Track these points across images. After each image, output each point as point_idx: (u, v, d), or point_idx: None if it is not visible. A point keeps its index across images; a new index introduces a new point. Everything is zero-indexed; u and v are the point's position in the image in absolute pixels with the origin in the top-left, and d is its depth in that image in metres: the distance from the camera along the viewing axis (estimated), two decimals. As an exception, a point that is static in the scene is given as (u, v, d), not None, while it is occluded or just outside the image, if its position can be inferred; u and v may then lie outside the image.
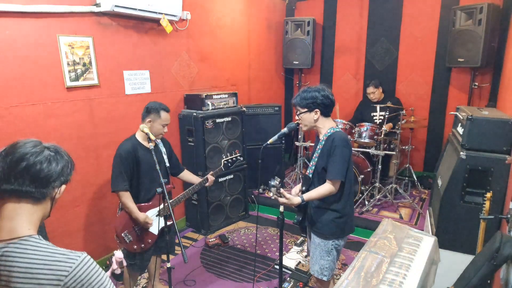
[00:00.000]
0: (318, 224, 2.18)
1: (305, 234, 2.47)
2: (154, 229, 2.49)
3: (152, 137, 2.33)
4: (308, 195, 2.10)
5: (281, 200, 2.06)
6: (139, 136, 2.47)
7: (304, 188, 2.23)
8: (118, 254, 1.48)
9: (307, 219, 2.27)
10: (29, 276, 0.96)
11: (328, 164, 2.06)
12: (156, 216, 2.49)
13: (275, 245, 3.59)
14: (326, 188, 2.06)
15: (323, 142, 2.11)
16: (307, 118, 2.13)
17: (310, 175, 2.21)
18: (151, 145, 2.31)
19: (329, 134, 2.10)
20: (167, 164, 2.49)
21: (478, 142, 2.47)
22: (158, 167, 2.17)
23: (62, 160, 1.08)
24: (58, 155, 1.08)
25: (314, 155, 2.19)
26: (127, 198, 2.37)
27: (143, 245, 2.46)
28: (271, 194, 2.03)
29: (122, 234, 2.39)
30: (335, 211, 2.14)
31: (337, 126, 2.17)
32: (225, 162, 2.78)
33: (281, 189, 2.03)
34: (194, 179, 2.78)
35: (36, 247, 0.99)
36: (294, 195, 2.13)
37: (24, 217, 1.02)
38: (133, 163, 2.40)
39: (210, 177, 2.71)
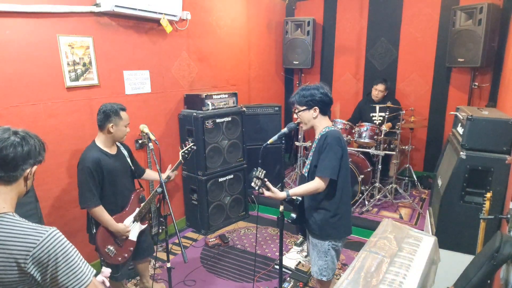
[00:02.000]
0: (313, 225, 2.17)
1: (301, 234, 2.45)
2: (133, 236, 2.46)
3: (152, 137, 2.32)
4: (293, 191, 2.07)
5: (266, 193, 2.03)
6: (101, 143, 2.30)
7: None
8: (106, 270, 1.40)
9: (303, 221, 2.26)
10: (3, 248, 1.06)
11: (318, 161, 2.04)
12: (133, 222, 2.45)
13: (275, 245, 3.59)
14: (313, 185, 2.02)
15: (317, 141, 2.10)
16: (306, 116, 2.13)
17: (306, 174, 2.19)
18: (151, 146, 2.30)
19: (323, 132, 2.09)
20: (131, 168, 2.46)
21: (478, 142, 2.47)
22: (158, 167, 2.17)
23: (27, 145, 1.15)
24: (24, 140, 1.15)
25: (310, 154, 2.18)
26: (101, 212, 2.24)
27: (126, 254, 2.42)
28: (253, 185, 1.98)
29: (106, 250, 2.32)
30: (327, 211, 2.11)
31: (333, 125, 2.16)
32: (182, 154, 2.69)
33: (266, 180, 1.99)
34: (157, 176, 2.69)
35: (10, 223, 1.09)
36: (278, 190, 2.08)
37: None
38: (102, 173, 2.24)
39: (171, 174, 2.61)
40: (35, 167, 1.19)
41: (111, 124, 2.25)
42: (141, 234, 2.54)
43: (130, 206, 2.43)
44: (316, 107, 2.09)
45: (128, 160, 2.46)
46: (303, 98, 2.10)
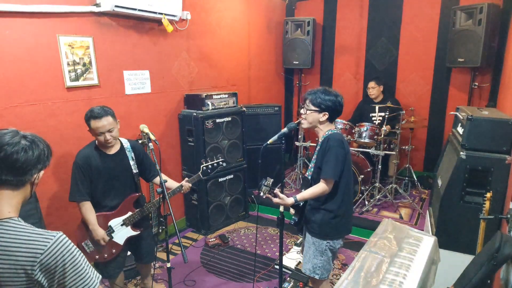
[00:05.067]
0: (313, 223, 2.19)
1: (302, 234, 2.47)
2: (120, 239, 2.38)
3: (152, 137, 2.31)
4: (301, 195, 2.10)
5: (275, 200, 2.07)
6: (98, 142, 2.30)
7: (303, 189, 2.23)
8: None
9: (303, 219, 2.27)
10: (8, 254, 1.03)
11: (322, 164, 2.07)
12: (122, 225, 2.37)
13: (275, 245, 3.59)
14: (319, 188, 2.06)
15: (320, 144, 2.14)
16: (313, 117, 2.14)
17: (309, 177, 2.22)
18: (151, 147, 2.30)
19: (326, 135, 2.12)
20: (134, 171, 2.39)
21: (478, 142, 2.47)
22: (158, 167, 2.16)
23: (37, 149, 1.13)
24: (34, 144, 1.13)
25: (314, 157, 2.22)
26: (85, 209, 2.24)
27: (106, 255, 2.34)
28: (261, 194, 2.03)
29: (83, 244, 2.28)
30: (329, 211, 2.14)
31: (335, 128, 2.18)
32: (204, 168, 2.53)
33: (275, 189, 2.04)
34: (169, 184, 2.49)
35: (15, 228, 1.07)
36: (286, 196, 2.13)
37: (4, 201, 1.10)
38: (92, 171, 2.25)
39: (186, 184, 2.49)
40: (42, 172, 1.17)
41: (88, 129, 2.25)
42: (141, 239, 2.48)
43: (121, 207, 2.37)
44: (326, 113, 2.11)
45: (132, 162, 2.40)
46: (320, 100, 2.10)
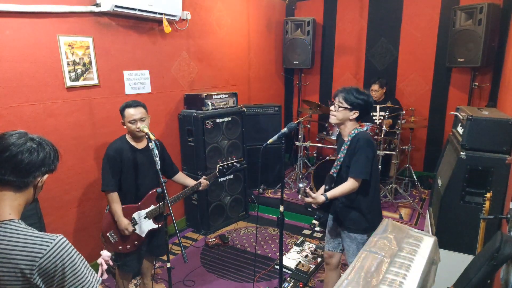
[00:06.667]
0: (350, 221, 2.26)
1: (324, 229, 2.51)
2: (142, 231, 2.48)
3: (152, 137, 2.32)
4: (331, 193, 2.16)
5: (307, 199, 2.14)
6: (128, 136, 2.45)
7: (327, 187, 2.29)
8: (105, 253, 1.52)
9: (334, 217, 2.36)
10: (7, 257, 1.02)
11: (351, 163, 2.14)
12: (144, 218, 2.48)
13: (275, 245, 3.59)
14: (348, 186, 2.13)
15: (349, 143, 2.18)
16: (344, 115, 2.18)
17: (335, 175, 2.27)
18: (152, 146, 2.31)
19: (353, 134, 2.17)
20: (158, 167, 2.44)
21: (478, 142, 2.47)
22: (158, 168, 2.17)
23: (43, 152, 1.13)
24: (40, 146, 1.13)
25: (339, 155, 2.25)
26: (113, 199, 2.36)
27: (128, 246, 2.43)
28: (299, 196, 2.13)
29: (108, 234, 2.38)
30: (363, 208, 2.22)
31: (359, 126, 2.23)
32: (220, 167, 2.72)
33: (307, 189, 2.11)
34: (189, 181, 2.72)
35: (15, 230, 1.06)
36: (318, 195, 2.21)
37: (6, 202, 1.09)
38: (121, 163, 2.38)
39: (204, 181, 2.68)
40: (46, 176, 1.16)
41: (122, 120, 2.40)
42: (156, 233, 2.58)
43: (144, 201, 2.48)
44: (357, 111, 2.16)
45: (157, 158, 2.45)
46: (353, 98, 2.15)
